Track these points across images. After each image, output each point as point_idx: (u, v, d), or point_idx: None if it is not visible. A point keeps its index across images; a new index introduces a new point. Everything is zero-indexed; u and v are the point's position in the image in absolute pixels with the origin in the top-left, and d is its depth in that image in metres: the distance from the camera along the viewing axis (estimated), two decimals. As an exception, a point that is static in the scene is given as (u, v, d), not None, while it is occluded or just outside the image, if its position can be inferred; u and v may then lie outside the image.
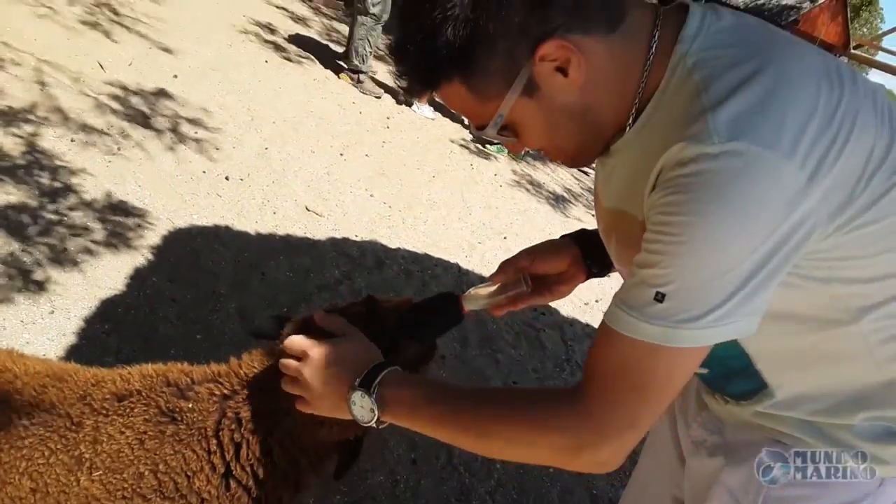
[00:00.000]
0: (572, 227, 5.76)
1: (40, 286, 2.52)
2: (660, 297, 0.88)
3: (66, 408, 1.24)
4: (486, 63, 0.93)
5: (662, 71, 0.95)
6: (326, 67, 6.88)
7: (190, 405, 1.26)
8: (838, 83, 0.91)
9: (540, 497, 2.71)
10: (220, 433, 1.25)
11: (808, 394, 1.07)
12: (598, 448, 0.94)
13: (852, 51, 20.79)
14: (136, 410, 1.25)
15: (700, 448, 1.28)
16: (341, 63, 6.84)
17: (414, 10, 0.94)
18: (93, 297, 2.61)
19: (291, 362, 1.16)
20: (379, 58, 7.41)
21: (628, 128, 0.99)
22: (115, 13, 5.37)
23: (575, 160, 1.10)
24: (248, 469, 1.26)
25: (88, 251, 2.82)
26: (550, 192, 6.50)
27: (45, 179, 3.10)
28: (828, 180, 0.86)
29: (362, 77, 6.65)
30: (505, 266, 1.33)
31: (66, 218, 2.93)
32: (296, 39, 7.31)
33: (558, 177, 7.21)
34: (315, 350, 1.14)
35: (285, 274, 3.38)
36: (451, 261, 4.34)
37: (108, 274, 2.77)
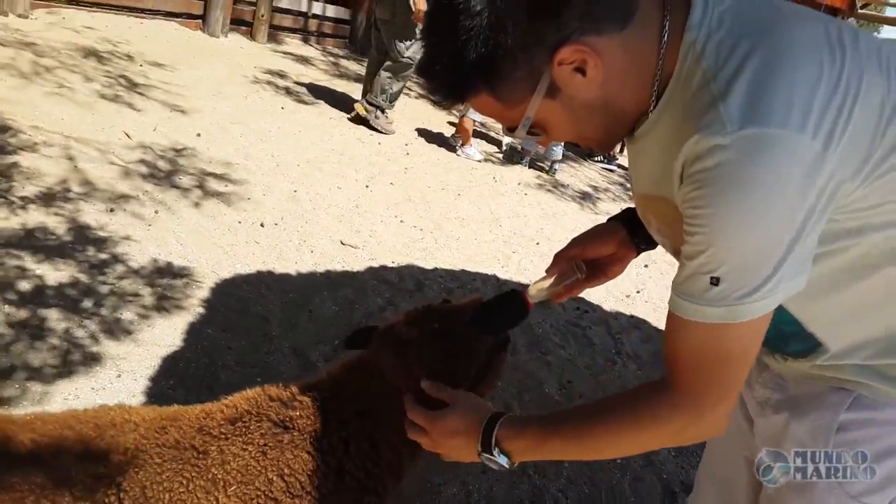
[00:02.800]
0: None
1: (104, 354, 2.64)
2: (715, 281, 0.95)
3: (188, 441, 1.38)
4: (509, 74, 1.01)
5: (676, 55, 1.01)
6: (340, 105, 7.03)
7: (298, 413, 1.44)
8: (839, 48, 0.96)
9: (611, 489, 2.74)
10: (330, 434, 1.42)
11: (861, 342, 1.12)
12: (700, 425, 1.05)
13: (860, 10, 20.43)
14: (251, 428, 1.42)
15: (765, 407, 1.33)
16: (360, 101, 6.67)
17: (438, 32, 1.02)
18: (154, 357, 2.72)
19: (421, 436, 1.33)
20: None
21: (651, 113, 1.06)
22: (132, 83, 5.57)
23: (602, 146, 1.19)
24: (358, 463, 1.43)
25: (143, 315, 2.94)
26: (577, 192, 6.54)
27: (91, 252, 3.24)
28: (843, 143, 0.91)
29: (379, 114, 6.52)
30: (558, 257, 1.41)
31: (115, 287, 3.06)
32: (306, 82, 7.49)
33: (583, 175, 7.26)
34: (434, 428, 1.30)
35: (331, 308, 3.47)
36: (489, 273, 4.40)
37: (165, 333, 2.88)
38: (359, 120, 6.49)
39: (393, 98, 6.50)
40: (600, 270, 1.43)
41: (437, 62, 1.04)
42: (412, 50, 6.19)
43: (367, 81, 6.61)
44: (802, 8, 1.06)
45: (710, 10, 1.00)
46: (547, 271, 1.43)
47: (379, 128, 6.51)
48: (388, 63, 6.28)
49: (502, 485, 2.60)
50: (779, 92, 0.90)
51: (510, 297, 1.42)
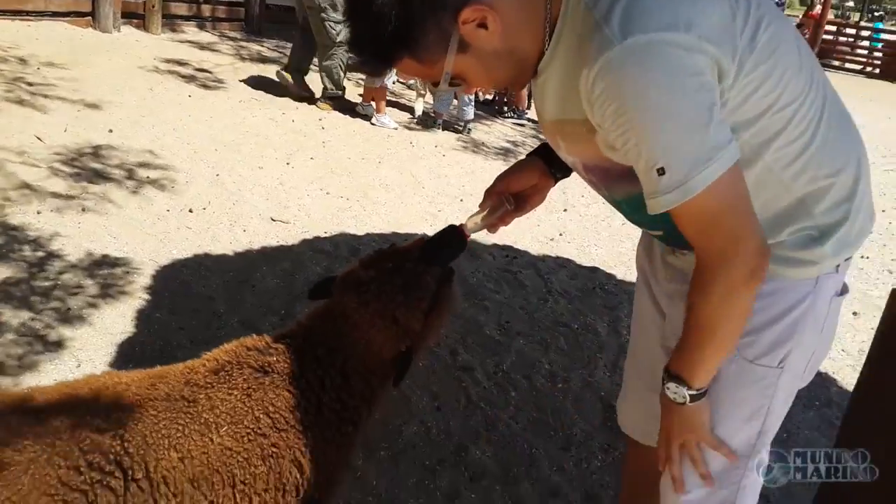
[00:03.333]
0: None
1: (60, 345, 2.70)
2: (661, 171, 1.14)
3: (178, 393, 1.52)
4: (424, 38, 1.19)
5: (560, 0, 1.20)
6: (247, 87, 7.02)
7: (275, 358, 1.60)
8: None
9: (556, 410, 2.98)
10: (307, 373, 1.59)
11: None
12: (738, 267, 1.20)
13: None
14: (233, 375, 1.57)
15: (674, 298, 1.55)
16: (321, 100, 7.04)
17: (357, 14, 1.21)
18: (110, 344, 2.80)
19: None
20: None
21: (546, 50, 1.25)
22: (32, 85, 5.45)
23: (515, 85, 1.39)
24: (334, 395, 1.60)
25: (91, 305, 2.99)
26: (494, 148, 6.76)
27: (27, 252, 3.25)
28: (711, 32, 1.11)
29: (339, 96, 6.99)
30: (488, 193, 1.60)
31: (59, 281, 3.10)
32: (209, 68, 7.42)
33: (497, 132, 7.48)
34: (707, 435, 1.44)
35: (272, 281, 3.58)
36: (418, 233, 4.57)
37: (115, 321, 2.95)
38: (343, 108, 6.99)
39: (341, 80, 6.93)
40: (525, 201, 1.61)
41: (362, 39, 1.22)
42: (343, 35, 6.42)
43: (294, 57, 7.00)
44: None
45: None
46: (480, 206, 1.61)
47: (362, 111, 6.94)
48: (327, 52, 6.69)
49: (456, 419, 2.81)
50: (648, 5, 1.10)
51: (449, 231, 1.61)
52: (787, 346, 1.38)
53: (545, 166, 1.60)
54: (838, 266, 1.39)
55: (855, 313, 4.27)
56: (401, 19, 1.15)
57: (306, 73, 7.02)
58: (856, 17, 45.39)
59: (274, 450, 1.58)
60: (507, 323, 3.61)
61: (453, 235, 1.59)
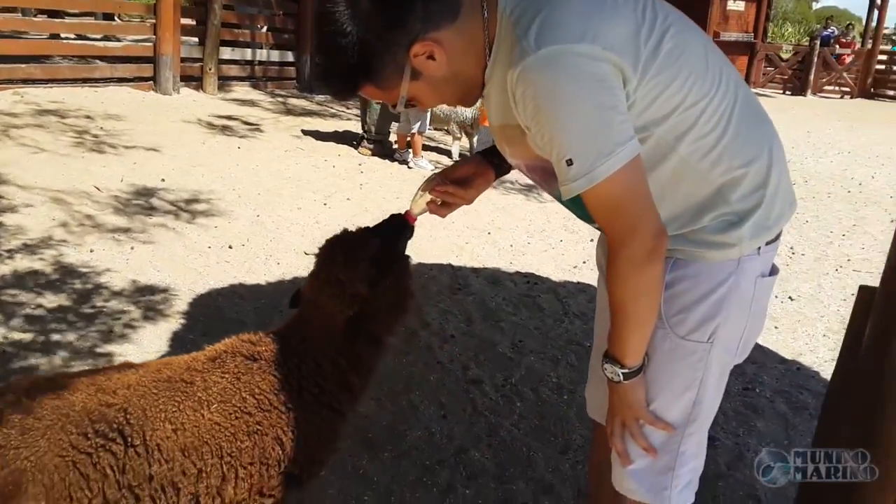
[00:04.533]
0: (546, 212, 6.24)
1: (106, 359, 3.02)
2: (570, 162, 1.34)
3: (178, 376, 1.78)
4: (382, 69, 1.43)
5: (496, 23, 1.43)
6: (291, 138, 7.47)
7: (263, 348, 1.85)
8: None
9: (559, 418, 3.12)
10: (287, 360, 1.83)
11: (670, 217, 1.50)
12: (640, 242, 1.37)
13: None
14: (227, 361, 1.82)
15: None
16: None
17: (325, 51, 1.44)
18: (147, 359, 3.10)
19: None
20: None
21: (487, 67, 1.48)
22: (96, 141, 5.99)
23: (463, 104, 1.61)
24: (311, 380, 1.84)
25: (132, 327, 3.32)
26: (521, 186, 6.98)
27: (78, 285, 3.62)
28: (615, 43, 1.32)
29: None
30: (426, 183, 1.81)
31: (104, 309, 3.44)
32: (258, 121, 7.92)
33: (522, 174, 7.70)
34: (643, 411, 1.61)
35: (301, 308, 3.85)
36: (444, 263, 4.81)
37: (153, 341, 3.26)
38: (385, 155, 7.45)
39: (384, 125, 7.37)
40: (469, 186, 1.78)
41: (330, 71, 1.47)
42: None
43: (378, 124, 7.37)
44: None
45: None
46: (419, 190, 1.80)
47: (400, 157, 7.34)
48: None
49: (461, 426, 2.98)
50: (557, 20, 1.33)
51: (392, 216, 1.82)
52: (715, 322, 1.53)
53: (483, 157, 1.81)
54: (759, 248, 1.54)
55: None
56: (362, 55, 1.39)
57: (389, 136, 7.50)
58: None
59: (258, 427, 1.80)
60: (520, 342, 3.78)
61: (396, 217, 1.81)
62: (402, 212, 1.81)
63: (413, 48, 1.40)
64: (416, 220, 1.81)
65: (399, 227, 1.82)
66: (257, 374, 1.83)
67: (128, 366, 1.88)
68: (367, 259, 1.79)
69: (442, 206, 1.80)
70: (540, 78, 1.32)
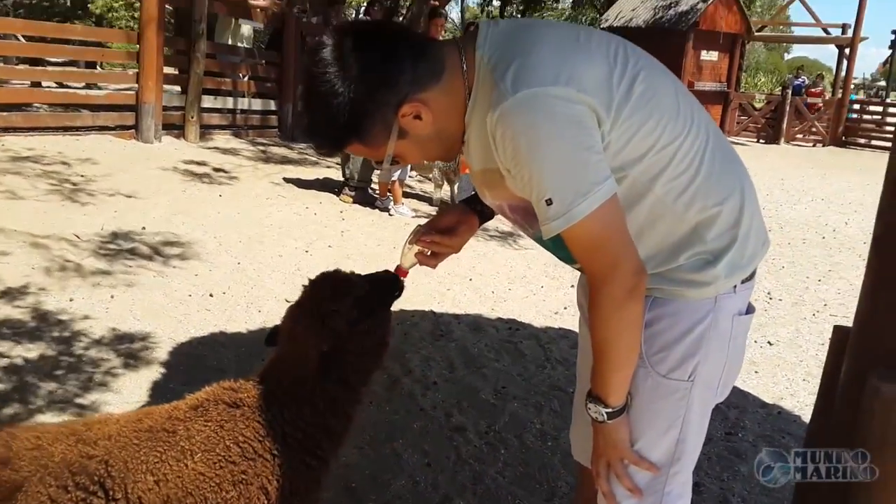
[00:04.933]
0: (527, 258, 6.29)
1: (86, 409, 2.98)
2: (549, 202, 1.37)
3: (160, 426, 1.75)
4: (370, 128, 1.46)
5: (474, 72, 1.47)
6: (271, 186, 7.50)
7: (245, 395, 1.83)
8: (576, 31, 1.47)
9: (544, 465, 3.11)
10: (270, 406, 1.81)
11: (647, 255, 1.52)
12: (619, 281, 1.40)
13: (756, 34, 22.09)
14: (209, 409, 1.80)
15: None
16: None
17: (314, 108, 1.47)
18: (127, 409, 3.05)
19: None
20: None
21: (467, 112, 1.51)
22: (75, 189, 5.97)
23: (445, 159, 1.67)
24: (294, 425, 1.81)
25: (112, 375, 3.28)
26: (500, 233, 7.04)
27: (56, 333, 3.58)
28: (588, 86, 1.36)
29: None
30: (413, 235, 1.84)
31: (84, 357, 3.40)
32: (239, 170, 7.95)
33: (502, 221, 7.77)
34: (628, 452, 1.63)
35: (282, 355, 3.83)
36: (426, 309, 4.81)
37: (133, 390, 3.22)
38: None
39: (366, 172, 7.44)
40: (454, 235, 1.82)
41: (317, 128, 1.49)
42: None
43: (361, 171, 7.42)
44: (558, 22, 1.56)
45: (489, 33, 1.48)
46: (406, 243, 1.83)
47: (381, 205, 7.40)
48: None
49: (445, 474, 2.96)
50: (533, 65, 1.37)
51: (383, 273, 1.85)
52: (696, 359, 1.56)
53: (466, 205, 1.84)
54: (735, 287, 1.57)
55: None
56: (352, 114, 1.42)
57: (370, 183, 7.58)
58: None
59: (243, 476, 1.78)
60: (503, 388, 3.77)
61: (388, 272, 1.83)
62: (393, 268, 1.83)
63: (402, 108, 1.43)
64: (407, 274, 1.83)
65: (390, 281, 1.84)
66: (241, 422, 1.81)
67: (107, 416, 1.86)
68: (352, 297, 1.80)
69: (431, 257, 1.83)
70: (518, 120, 1.35)
